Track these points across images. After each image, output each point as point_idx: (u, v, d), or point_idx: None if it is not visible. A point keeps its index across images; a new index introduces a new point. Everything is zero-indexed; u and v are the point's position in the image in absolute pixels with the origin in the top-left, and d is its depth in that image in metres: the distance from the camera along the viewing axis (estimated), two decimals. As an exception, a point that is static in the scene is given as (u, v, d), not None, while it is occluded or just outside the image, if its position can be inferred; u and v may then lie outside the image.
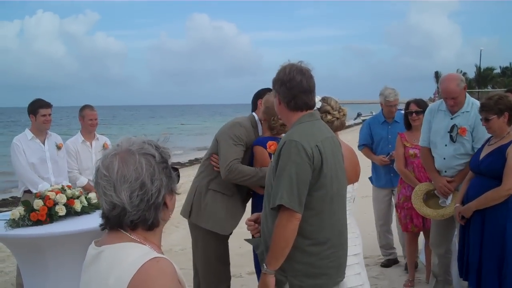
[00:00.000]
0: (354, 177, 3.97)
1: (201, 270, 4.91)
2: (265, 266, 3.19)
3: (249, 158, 4.74)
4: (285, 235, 3.11)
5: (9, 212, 4.97)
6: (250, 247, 8.40)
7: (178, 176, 2.03)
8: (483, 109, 4.69)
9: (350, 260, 3.71)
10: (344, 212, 3.42)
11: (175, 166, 2.01)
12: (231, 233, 4.94)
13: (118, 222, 1.87)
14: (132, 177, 1.83)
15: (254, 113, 4.95)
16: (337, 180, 3.27)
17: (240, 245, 8.52)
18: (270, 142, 4.49)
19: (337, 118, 3.97)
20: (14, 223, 4.69)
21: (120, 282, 1.75)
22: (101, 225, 1.94)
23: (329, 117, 3.93)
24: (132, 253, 1.82)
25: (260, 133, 4.85)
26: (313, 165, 3.11)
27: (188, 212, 4.88)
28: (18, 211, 4.66)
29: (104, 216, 1.91)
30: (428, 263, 6.31)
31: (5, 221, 4.82)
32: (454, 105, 5.24)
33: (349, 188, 3.83)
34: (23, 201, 4.72)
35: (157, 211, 1.89)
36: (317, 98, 3.85)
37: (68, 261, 3.96)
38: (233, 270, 7.15)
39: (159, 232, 1.97)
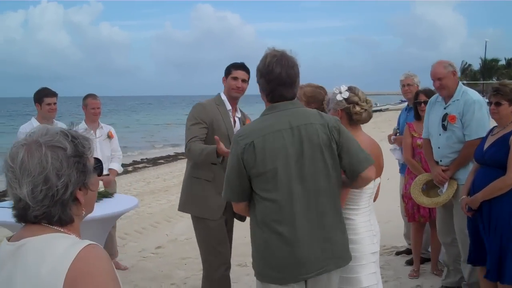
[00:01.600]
0: (379, 172, 3.84)
1: (202, 254, 4.91)
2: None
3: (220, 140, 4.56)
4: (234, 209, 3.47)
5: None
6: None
7: (100, 169, 1.93)
8: (498, 92, 4.67)
9: (367, 259, 3.70)
10: (309, 207, 3.21)
11: (97, 157, 1.91)
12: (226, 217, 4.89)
13: (23, 215, 1.76)
14: (36, 170, 1.71)
15: (220, 93, 4.99)
16: (292, 175, 3.16)
17: (245, 235, 8.58)
18: None
19: (365, 110, 3.80)
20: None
21: (56, 273, 1.63)
22: (13, 216, 1.80)
23: (357, 108, 3.76)
24: (62, 242, 1.71)
25: (228, 108, 4.88)
26: (244, 160, 3.15)
27: (181, 203, 4.98)
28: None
29: (13, 207, 1.79)
30: (433, 253, 6.33)
31: (11, 208, 4.82)
32: (440, 87, 5.35)
33: (370, 184, 3.68)
34: None
35: (65, 207, 1.76)
36: (343, 88, 3.82)
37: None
38: (238, 259, 7.22)
39: (77, 227, 1.85)
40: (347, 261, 3.37)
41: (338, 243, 3.29)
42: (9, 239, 1.83)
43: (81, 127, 5.81)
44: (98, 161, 1.91)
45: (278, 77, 3.21)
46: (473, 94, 5.28)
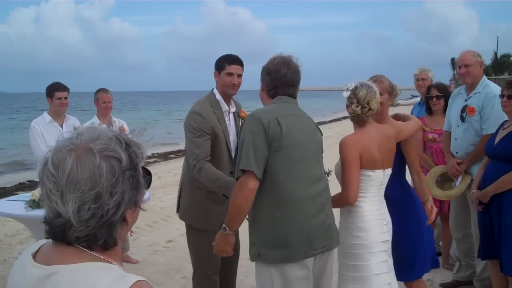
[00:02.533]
0: (387, 163, 3.96)
1: (193, 261, 4.78)
2: (226, 228, 3.49)
3: (218, 145, 4.45)
4: (237, 201, 3.35)
5: (29, 193, 5.03)
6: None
7: (149, 183, 1.64)
8: (511, 86, 4.67)
9: (377, 247, 3.81)
10: (321, 189, 3.52)
11: (147, 168, 1.63)
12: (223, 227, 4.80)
13: (61, 235, 1.47)
14: (86, 185, 1.41)
15: (214, 90, 4.60)
16: (305, 154, 3.46)
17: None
18: None
19: (358, 115, 3.87)
20: (34, 204, 4.74)
21: None
22: (46, 232, 1.51)
23: (351, 108, 3.89)
24: (103, 276, 1.42)
25: (224, 109, 4.54)
26: (269, 135, 3.32)
27: (177, 208, 4.81)
28: (38, 192, 4.71)
29: (46, 222, 1.49)
30: (444, 247, 6.32)
31: (25, 202, 4.87)
32: (466, 74, 5.36)
33: (379, 173, 3.88)
34: None
35: (112, 230, 1.48)
36: (350, 86, 3.87)
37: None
38: (246, 251, 7.23)
39: (118, 252, 1.56)
40: (338, 243, 3.67)
41: (334, 225, 3.65)
42: (34, 256, 1.54)
43: (94, 123, 5.88)
44: (147, 173, 1.63)
45: (283, 77, 3.58)
46: (495, 88, 5.27)
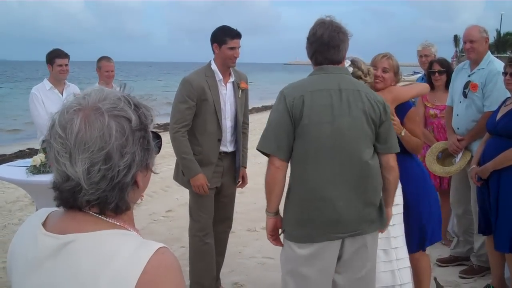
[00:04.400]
0: None
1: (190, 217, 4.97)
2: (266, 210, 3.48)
3: (206, 112, 4.63)
4: (267, 180, 3.36)
5: (30, 159, 5.04)
6: (265, 203, 8.53)
7: (159, 146, 1.58)
8: None
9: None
10: (350, 169, 3.27)
11: (157, 132, 1.57)
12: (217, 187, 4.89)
13: (71, 199, 1.42)
14: (95, 145, 1.36)
15: (211, 60, 4.78)
16: (334, 133, 3.22)
17: (255, 201, 8.66)
18: None
19: (369, 83, 3.94)
20: (35, 169, 4.75)
21: (121, 285, 1.32)
22: (55, 199, 1.46)
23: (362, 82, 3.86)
24: (124, 244, 1.38)
25: (218, 78, 4.69)
26: (292, 114, 3.21)
27: (174, 173, 4.98)
28: (39, 158, 4.72)
29: (55, 187, 1.44)
30: (443, 223, 6.35)
31: (26, 167, 4.88)
32: (470, 49, 5.34)
33: None
34: (44, 148, 4.75)
35: (123, 193, 1.43)
36: (347, 63, 3.84)
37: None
38: (248, 224, 7.33)
39: (131, 217, 1.54)
40: (375, 229, 3.46)
41: (376, 207, 3.40)
42: (43, 225, 1.48)
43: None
44: (157, 136, 1.56)
45: (319, 38, 3.31)
46: (499, 65, 5.23)
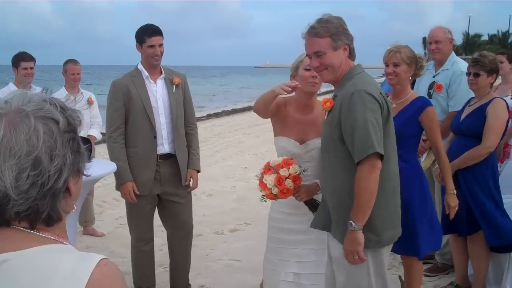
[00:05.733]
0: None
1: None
2: (352, 224, 3.04)
3: (134, 110, 4.58)
4: (369, 185, 3.01)
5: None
6: (233, 205, 8.54)
7: (90, 150, 1.49)
8: (477, 63, 4.69)
9: None
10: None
11: (87, 136, 1.44)
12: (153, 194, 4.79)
13: (0, 214, 1.31)
14: (22, 150, 1.27)
15: (138, 64, 4.74)
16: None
17: (223, 204, 8.66)
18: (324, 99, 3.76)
19: None
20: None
21: None
22: None
23: None
24: (63, 259, 1.29)
25: (145, 75, 4.64)
26: (382, 112, 3.09)
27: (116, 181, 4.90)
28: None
29: None
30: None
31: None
32: (436, 50, 5.41)
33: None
34: None
35: (55, 200, 1.33)
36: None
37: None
38: (215, 227, 7.31)
39: (64, 229, 1.42)
40: None
41: None
42: None
43: (61, 93, 5.81)
44: (86, 141, 1.47)
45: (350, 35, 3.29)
46: (463, 65, 5.28)
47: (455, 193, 4.27)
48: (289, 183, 3.37)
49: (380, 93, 3.13)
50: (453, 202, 4.29)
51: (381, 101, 3.08)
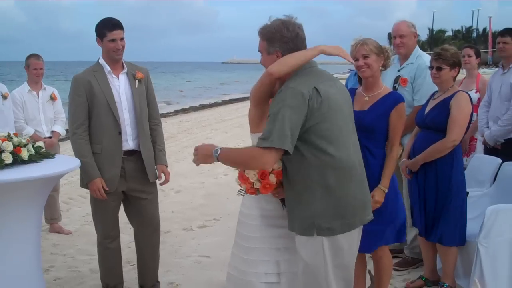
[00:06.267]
0: None
1: None
2: (218, 150, 3.18)
3: (97, 105, 4.52)
4: (243, 158, 3.19)
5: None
6: (201, 201, 8.50)
7: None
8: (439, 57, 4.73)
9: None
10: (359, 153, 3.37)
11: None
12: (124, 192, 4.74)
13: None
14: None
15: (100, 58, 4.67)
16: (344, 120, 3.25)
17: (191, 200, 8.63)
18: None
19: None
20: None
21: None
22: None
23: None
24: None
25: (107, 70, 4.56)
26: (310, 108, 3.07)
27: (81, 177, 4.80)
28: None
29: None
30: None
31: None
32: (400, 44, 5.47)
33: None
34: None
35: None
36: None
37: (14, 209, 3.87)
38: (184, 223, 7.29)
39: None
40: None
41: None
42: None
43: (23, 89, 5.67)
44: None
45: (298, 35, 3.30)
46: (427, 59, 5.28)
47: (386, 191, 4.14)
48: (272, 178, 3.33)
49: (315, 88, 3.10)
50: (379, 197, 4.12)
51: (311, 99, 3.08)
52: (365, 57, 4.19)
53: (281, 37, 3.26)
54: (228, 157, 3.20)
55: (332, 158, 3.14)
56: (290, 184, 3.26)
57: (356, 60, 4.22)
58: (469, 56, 6.60)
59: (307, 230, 3.21)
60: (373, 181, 3.68)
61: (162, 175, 4.82)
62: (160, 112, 5.03)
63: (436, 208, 4.73)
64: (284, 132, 3.00)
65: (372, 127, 4.09)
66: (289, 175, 3.25)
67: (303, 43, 3.31)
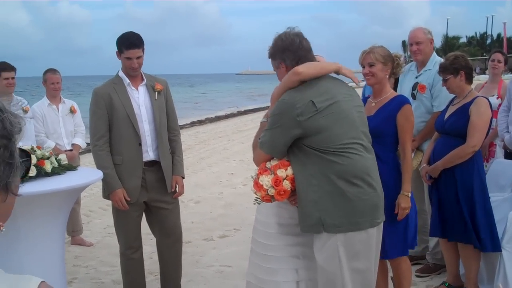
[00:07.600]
0: None
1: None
2: None
3: (117, 117, 4.55)
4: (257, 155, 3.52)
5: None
6: (221, 211, 8.52)
7: (28, 166, 1.25)
8: (440, 69, 4.81)
9: None
10: (373, 158, 3.43)
11: (25, 149, 1.26)
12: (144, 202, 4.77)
13: None
14: None
15: (119, 70, 4.71)
16: (354, 125, 3.32)
17: (211, 210, 8.64)
18: None
19: None
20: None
21: None
22: None
23: None
24: None
25: (126, 82, 4.61)
26: (303, 122, 3.18)
27: (103, 189, 4.85)
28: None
29: None
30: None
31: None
32: (417, 51, 5.45)
33: None
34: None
35: None
36: None
37: (39, 221, 3.92)
38: (204, 233, 7.30)
39: None
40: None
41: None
42: None
43: (43, 103, 5.72)
44: (26, 155, 1.25)
45: (300, 45, 3.45)
46: None
47: (410, 195, 4.15)
48: (286, 184, 3.34)
49: (312, 100, 3.19)
50: (405, 203, 4.13)
51: (303, 107, 3.19)
52: (370, 65, 4.23)
53: (278, 48, 3.44)
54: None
55: (333, 163, 3.21)
56: (299, 185, 3.33)
57: (363, 67, 4.27)
58: (499, 61, 6.56)
59: (315, 227, 3.28)
60: (384, 187, 3.67)
61: (176, 186, 4.83)
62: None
63: (461, 212, 4.67)
64: (273, 144, 3.34)
65: (379, 131, 4.07)
66: (297, 178, 3.33)
67: (302, 48, 3.42)
